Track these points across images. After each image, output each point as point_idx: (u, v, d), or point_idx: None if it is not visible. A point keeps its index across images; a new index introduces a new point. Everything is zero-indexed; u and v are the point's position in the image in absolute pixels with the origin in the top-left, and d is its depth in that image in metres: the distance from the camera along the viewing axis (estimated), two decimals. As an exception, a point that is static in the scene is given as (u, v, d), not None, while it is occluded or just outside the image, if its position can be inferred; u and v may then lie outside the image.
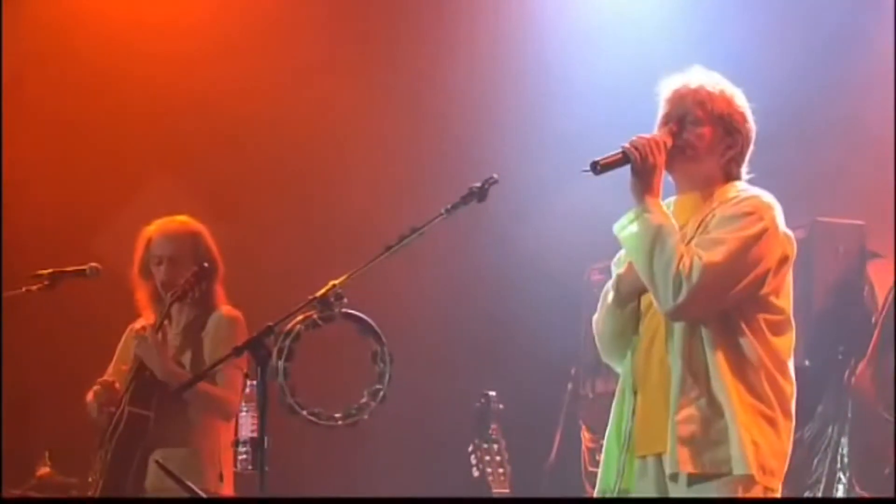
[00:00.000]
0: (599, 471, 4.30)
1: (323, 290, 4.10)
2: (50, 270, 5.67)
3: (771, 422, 4.00)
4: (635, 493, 4.14)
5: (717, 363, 3.98)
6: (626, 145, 4.08)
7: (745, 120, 4.21)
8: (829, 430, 6.93)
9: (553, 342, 7.94)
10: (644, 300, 4.15)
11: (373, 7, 8.15)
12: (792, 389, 4.07)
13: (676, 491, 4.01)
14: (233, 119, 7.84)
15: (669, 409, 4.00)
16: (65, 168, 7.82)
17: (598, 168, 4.08)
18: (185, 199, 6.82)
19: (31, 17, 7.83)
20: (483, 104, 7.80)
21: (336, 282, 4.11)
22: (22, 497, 6.34)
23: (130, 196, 7.49)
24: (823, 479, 6.92)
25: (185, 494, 4.87)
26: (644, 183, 4.08)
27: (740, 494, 3.95)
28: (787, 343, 4.10)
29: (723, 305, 3.99)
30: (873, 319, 6.94)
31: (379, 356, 4.33)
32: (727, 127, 4.18)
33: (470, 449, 5.45)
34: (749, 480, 3.95)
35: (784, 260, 4.07)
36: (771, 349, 4.04)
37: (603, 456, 4.27)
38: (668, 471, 4.00)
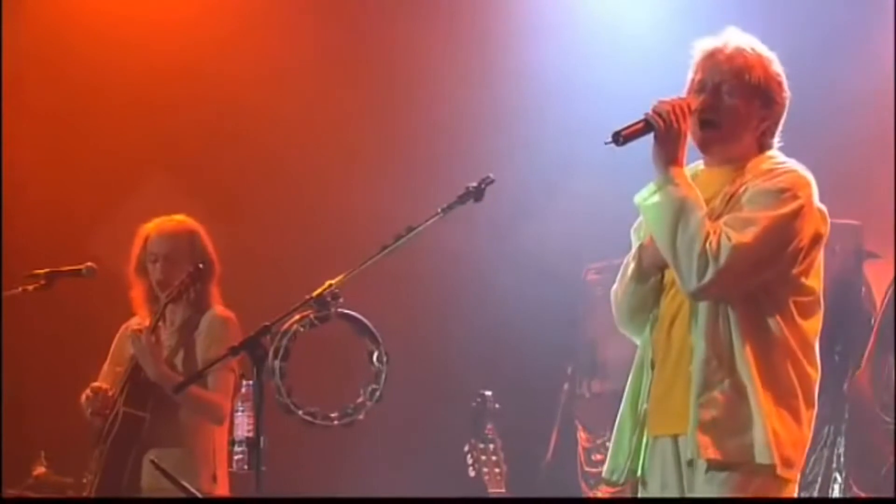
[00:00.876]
0: (610, 447, 4.13)
1: (319, 290, 4.10)
2: (46, 270, 5.67)
3: (793, 411, 3.85)
4: (646, 475, 4.01)
5: (744, 346, 3.81)
6: (649, 112, 3.88)
7: (781, 88, 4.04)
8: (826, 430, 6.93)
9: (549, 342, 7.95)
10: (668, 274, 3.96)
11: (371, 6, 8.14)
12: (817, 375, 3.93)
13: (692, 476, 3.87)
14: (230, 118, 7.84)
15: (690, 391, 3.84)
16: (62, 168, 7.81)
17: (621, 139, 3.87)
18: (181, 198, 6.81)
19: (30, 16, 7.81)
20: (481, 104, 7.80)
21: (332, 281, 4.11)
22: (19, 497, 6.34)
23: (128, 195, 7.48)
24: (819, 479, 6.93)
25: (180, 494, 4.87)
26: (668, 151, 3.86)
27: (757, 484, 3.80)
28: (815, 325, 3.97)
29: (749, 287, 3.82)
30: (871, 320, 6.94)
31: (375, 356, 4.33)
32: (764, 98, 4.00)
33: (466, 449, 5.46)
34: (769, 470, 3.80)
35: (817, 239, 3.94)
36: (799, 332, 3.90)
37: (615, 433, 4.09)
38: (688, 455, 3.85)
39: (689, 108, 3.90)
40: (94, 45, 7.84)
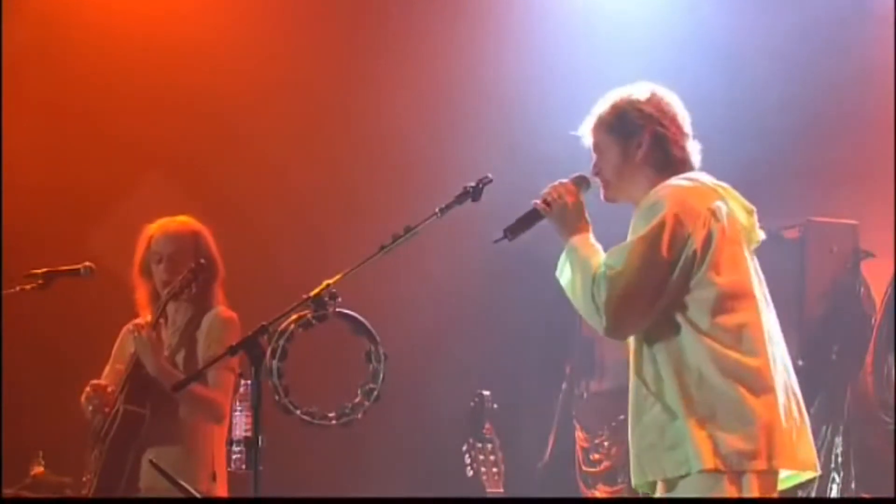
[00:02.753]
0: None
1: (317, 290, 4.10)
2: (44, 270, 5.67)
3: (733, 408, 3.86)
4: None
5: (667, 365, 3.93)
6: (535, 201, 4.16)
7: (640, 112, 4.12)
8: (824, 430, 6.93)
9: (548, 342, 7.95)
10: None
11: (372, 6, 8.14)
12: (758, 362, 3.91)
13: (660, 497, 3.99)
14: (229, 118, 7.83)
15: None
16: (61, 168, 7.80)
17: (510, 233, 4.21)
18: (181, 197, 6.82)
19: (29, 15, 7.80)
20: (481, 103, 7.80)
21: (330, 281, 4.11)
22: (17, 497, 6.33)
23: (127, 195, 7.48)
24: (817, 479, 6.92)
25: (178, 494, 4.87)
26: (563, 226, 4.13)
27: (714, 491, 3.85)
28: (746, 316, 3.95)
29: (655, 308, 3.92)
30: (871, 320, 6.94)
31: (373, 355, 4.33)
32: (623, 130, 4.14)
33: (464, 448, 5.46)
34: (715, 475, 3.84)
35: (707, 239, 3.93)
36: (719, 329, 3.91)
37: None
38: (633, 482, 4.00)
39: (563, 184, 4.16)
40: (94, 42, 7.83)
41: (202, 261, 5.51)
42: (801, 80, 7.00)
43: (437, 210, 4.17)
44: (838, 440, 6.94)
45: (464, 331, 7.82)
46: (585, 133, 4.23)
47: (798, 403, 4.01)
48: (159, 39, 7.83)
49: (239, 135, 7.91)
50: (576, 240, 4.08)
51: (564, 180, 4.16)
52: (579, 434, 7.93)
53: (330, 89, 7.96)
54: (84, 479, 5.49)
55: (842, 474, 6.91)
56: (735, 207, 4.06)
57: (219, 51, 7.83)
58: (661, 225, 3.91)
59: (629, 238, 3.96)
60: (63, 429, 6.01)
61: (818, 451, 6.94)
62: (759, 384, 3.90)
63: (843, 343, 6.98)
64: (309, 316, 4.14)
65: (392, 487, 7.32)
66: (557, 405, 8.10)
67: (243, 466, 4.52)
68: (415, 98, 7.85)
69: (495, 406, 5.56)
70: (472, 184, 4.23)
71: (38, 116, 7.77)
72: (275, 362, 4.18)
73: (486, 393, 5.58)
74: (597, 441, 7.71)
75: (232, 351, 4.16)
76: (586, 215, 4.13)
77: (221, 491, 5.40)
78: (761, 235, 4.13)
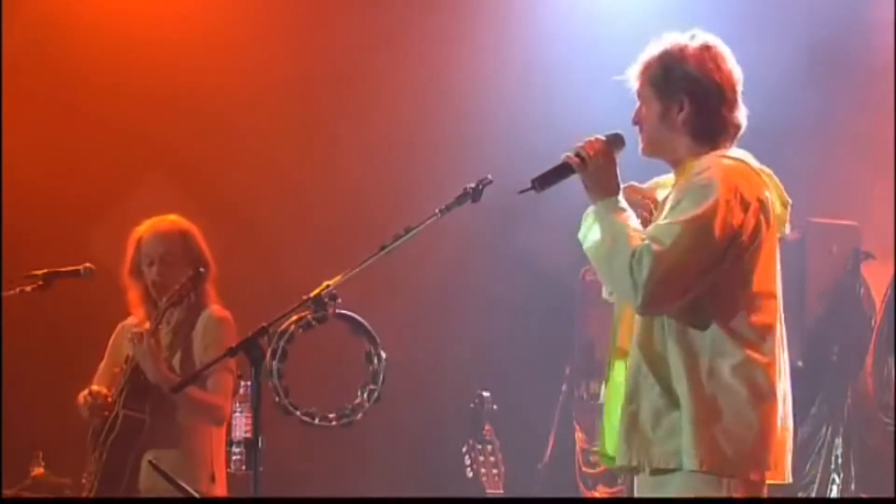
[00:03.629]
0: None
1: (317, 291, 4.09)
2: (44, 271, 5.66)
3: (735, 409, 3.74)
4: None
5: (672, 347, 3.76)
6: (565, 154, 3.92)
7: (688, 73, 3.93)
8: (824, 430, 6.93)
9: (547, 343, 7.94)
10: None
11: (372, 6, 8.13)
12: (771, 367, 3.79)
13: (642, 483, 3.84)
14: (229, 117, 7.82)
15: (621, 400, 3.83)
16: (60, 168, 7.80)
17: (539, 184, 3.95)
18: (179, 197, 6.81)
19: (28, 14, 7.80)
20: (480, 103, 7.80)
21: (330, 282, 4.11)
22: (16, 497, 6.33)
23: (126, 195, 7.48)
24: (817, 480, 6.93)
25: (178, 495, 4.87)
26: (593, 184, 3.90)
27: (699, 492, 3.72)
28: (768, 317, 3.82)
29: (690, 292, 3.73)
30: (871, 321, 6.94)
31: (373, 356, 4.33)
32: (666, 88, 3.93)
33: (464, 449, 5.46)
34: (705, 476, 3.72)
35: (755, 232, 3.79)
36: (746, 326, 3.78)
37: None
38: (617, 462, 3.82)
39: (600, 140, 3.91)
40: (93, 42, 7.83)
41: (201, 269, 5.49)
42: (801, 80, 7.00)
43: (437, 211, 4.16)
44: (838, 441, 6.94)
45: (464, 332, 7.82)
46: (631, 78, 4.03)
47: (790, 412, 3.89)
48: (159, 39, 7.83)
49: (239, 134, 7.90)
50: (608, 202, 3.86)
51: (600, 136, 3.93)
52: (579, 435, 7.92)
53: (331, 89, 7.96)
54: (83, 480, 5.49)
55: (842, 475, 6.91)
56: (774, 198, 3.91)
57: (219, 50, 7.83)
58: (714, 210, 3.70)
59: (674, 212, 3.75)
60: (63, 429, 6.01)
61: (818, 452, 6.99)
62: (766, 389, 3.78)
63: (843, 344, 6.97)
64: (309, 317, 4.14)
65: (392, 488, 7.31)
66: (557, 406, 8.10)
67: (243, 467, 4.53)
68: (415, 98, 7.85)
69: (495, 407, 5.55)
70: (472, 184, 4.21)
71: (37, 116, 7.77)
72: (275, 363, 4.18)
73: (487, 394, 5.57)
74: (596, 442, 7.70)
75: (231, 352, 4.15)
76: (619, 176, 3.91)
77: (220, 492, 5.40)
78: (788, 230, 3.99)
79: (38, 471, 6.41)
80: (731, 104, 3.95)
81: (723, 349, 3.76)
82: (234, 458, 4.88)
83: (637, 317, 3.82)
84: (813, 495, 6.81)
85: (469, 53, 7.83)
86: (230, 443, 5.02)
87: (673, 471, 3.75)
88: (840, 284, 6.97)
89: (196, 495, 4.95)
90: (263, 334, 4.07)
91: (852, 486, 6.90)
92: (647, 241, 3.72)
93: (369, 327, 4.30)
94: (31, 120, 7.75)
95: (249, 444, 4.24)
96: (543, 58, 7.77)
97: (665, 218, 3.78)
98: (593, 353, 8.01)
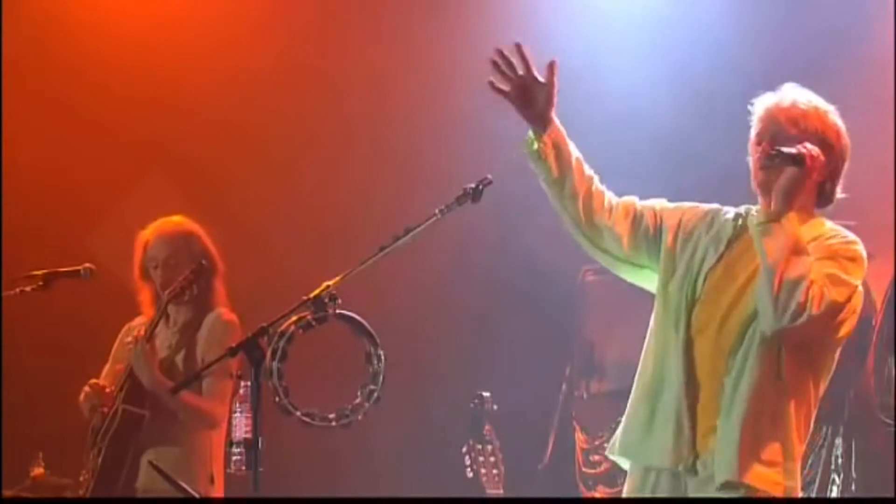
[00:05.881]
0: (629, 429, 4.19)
1: (317, 291, 4.10)
2: (44, 271, 5.67)
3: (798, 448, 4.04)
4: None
5: (793, 386, 4.00)
6: (804, 149, 3.97)
7: (839, 137, 4.12)
8: (824, 430, 6.93)
9: (547, 343, 7.94)
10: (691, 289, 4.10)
11: (372, 5, 8.13)
12: None
13: (695, 490, 4.00)
14: (229, 118, 7.83)
15: (730, 412, 3.95)
16: (60, 168, 7.80)
17: (776, 156, 3.98)
18: (180, 197, 6.83)
19: (29, 14, 7.80)
20: (480, 104, 7.76)
21: (330, 282, 4.11)
22: (16, 497, 6.33)
23: (127, 195, 7.49)
24: (817, 480, 6.93)
25: (176, 494, 4.87)
26: (796, 190, 3.98)
27: None
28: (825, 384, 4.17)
29: (813, 338, 4.00)
30: (871, 321, 6.94)
31: (373, 357, 4.32)
32: (822, 144, 4.05)
33: (464, 450, 5.46)
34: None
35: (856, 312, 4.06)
36: (822, 386, 4.11)
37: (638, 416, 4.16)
38: (724, 477, 3.94)
39: (822, 162, 4.01)
40: (94, 43, 7.83)
41: (203, 262, 5.50)
42: (801, 81, 6.99)
43: (437, 211, 4.17)
44: (838, 441, 6.94)
45: (464, 332, 7.82)
46: (771, 114, 4.17)
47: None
48: (159, 39, 7.84)
49: (239, 135, 7.90)
50: (793, 212, 3.99)
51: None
52: (579, 435, 7.93)
53: (331, 90, 7.96)
54: (81, 478, 5.50)
55: (842, 475, 6.91)
56: None
57: (220, 51, 7.83)
58: (860, 287, 4.04)
59: (835, 269, 3.97)
60: (63, 430, 6.02)
61: (818, 452, 6.98)
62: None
63: (843, 344, 6.97)
64: (309, 317, 4.13)
65: (392, 488, 7.32)
66: (557, 406, 8.10)
67: (243, 468, 4.52)
68: (415, 98, 7.85)
69: (495, 407, 5.56)
70: (472, 185, 4.22)
71: (37, 116, 7.77)
72: (275, 363, 4.17)
73: (487, 394, 5.57)
74: (597, 443, 7.70)
75: (232, 352, 4.16)
76: None
77: (218, 493, 5.41)
78: None
79: (38, 471, 6.41)
80: None
81: (809, 397, 4.13)
82: (233, 458, 4.87)
83: (758, 343, 3.96)
84: (813, 495, 6.81)
85: (469, 54, 7.80)
86: (230, 443, 5.00)
87: (759, 490, 3.98)
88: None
89: (196, 495, 4.96)
90: (263, 334, 4.07)
91: (852, 487, 6.90)
92: (825, 282, 3.90)
93: (369, 328, 4.29)
94: (32, 120, 7.75)
95: (249, 445, 4.23)
96: (544, 58, 7.76)
97: (834, 269, 3.96)
98: (593, 353, 8.01)
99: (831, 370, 4.11)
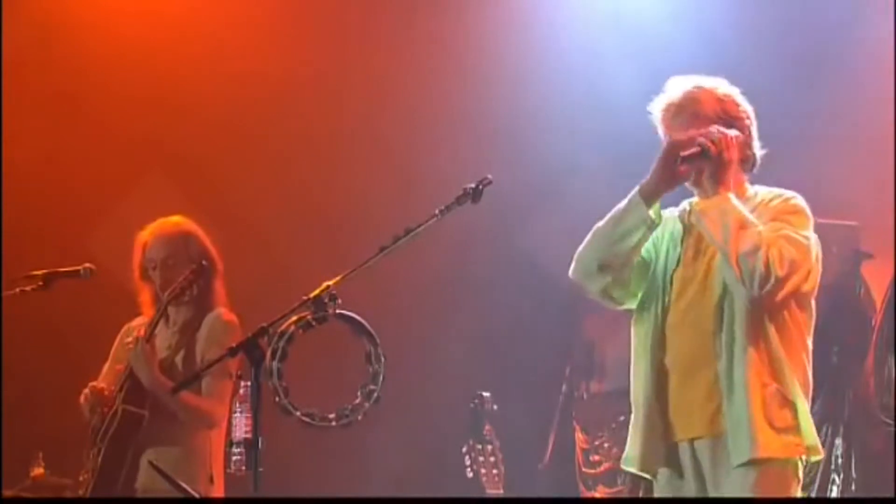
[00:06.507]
0: (635, 456, 4.29)
1: (317, 291, 4.10)
2: (44, 271, 5.66)
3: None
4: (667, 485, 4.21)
5: (787, 351, 4.14)
6: (703, 139, 4.14)
7: (736, 105, 4.33)
8: (824, 430, 6.93)
9: (547, 343, 7.95)
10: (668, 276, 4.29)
11: (373, 4, 8.13)
12: None
13: (735, 476, 4.07)
14: (229, 118, 7.83)
15: (732, 392, 4.08)
16: (60, 168, 7.80)
17: (684, 161, 4.16)
18: (181, 197, 6.82)
19: (29, 14, 7.79)
20: (481, 105, 7.80)
21: (330, 282, 4.11)
22: (16, 497, 6.34)
23: (128, 195, 7.48)
24: (817, 480, 6.93)
25: (176, 494, 4.87)
26: (721, 174, 4.17)
27: (788, 475, 4.09)
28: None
29: (790, 297, 4.15)
30: (871, 321, 6.94)
31: (373, 357, 4.32)
32: (726, 122, 4.26)
33: (464, 449, 5.46)
34: (797, 465, 4.13)
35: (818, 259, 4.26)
36: (809, 334, 4.25)
37: (639, 443, 4.26)
38: (744, 457, 4.05)
39: (738, 140, 4.22)
40: (94, 43, 7.83)
41: (203, 262, 5.50)
42: (802, 81, 7.00)
43: (437, 211, 4.17)
44: (838, 441, 6.94)
45: (464, 332, 7.82)
46: (695, 97, 4.35)
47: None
48: (159, 39, 7.83)
49: (239, 135, 7.90)
50: (729, 193, 4.17)
51: (730, 132, 4.22)
52: (579, 435, 7.93)
53: (331, 90, 7.95)
54: (81, 478, 5.49)
55: (842, 475, 6.91)
56: None
57: (219, 51, 7.83)
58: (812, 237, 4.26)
59: (785, 226, 4.15)
60: (63, 430, 6.01)
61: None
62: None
63: (843, 344, 6.98)
64: (309, 317, 4.13)
65: (392, 488, 7.32)
66: (557, 406, 8.10)
67: (243, 468, 4.52)
68: (416, 99, 7.85)
69: (495, 407, 5.56)
70: (472, 185, 4.22)
71: (38, 116, 7.77)
72: (275, 363, 4.17)
73: (487, 394, 5.58)
74: (597, 442, 7.70)
75: (232, 352, 4.16)
76: None
77: (218, 493, 5.40)
78: None
79: (38, 471, 6.42)
80: None
81: (804, 348, 4.29)
82: (233, 458, 4.87)
83: (741, 317, 4.13)
84: (813, 495, 6.81)
85: (470, 54, 7.83)
86: (230, 443, 5.01)
87: (780, 460, 4.13)
88: (840, 285, 6.97)
89: (196, 495, 4.95)
90: (263, 334, 4.07)
91: (852, 487, 6.90)
92: (781, 242, 4.10)
93: (369, 328, 4.29)
94: (32, 120, 7.75)
95: (249, 445, 4.23)
96: (544, 58, 7.77)
97: (785, 228, 4.16)
98: (593, 353, 8.01)
99: (813, 319, 4.27)
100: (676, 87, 4.31)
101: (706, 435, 4.12)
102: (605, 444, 7.63)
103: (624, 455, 4.33)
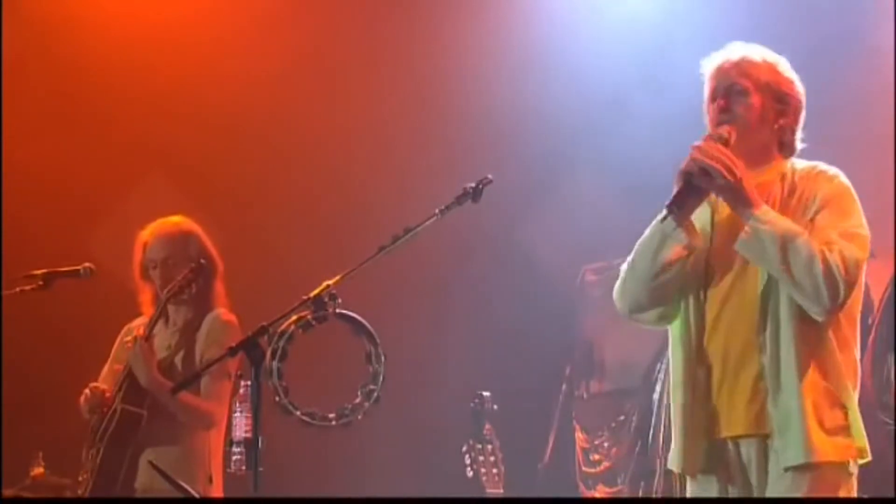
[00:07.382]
0: (677, 453, 4.08)
1: (317, 291, 4.10)
2: (44, 271, 5.67)
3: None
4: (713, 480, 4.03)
5: (833, 352, 3.92)
6: (688, 167, 3.88)
7: (792, 86, 4.14)
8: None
9: (548, 343, 7.95)
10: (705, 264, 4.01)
11: (373, 4, 8.14)
12: None
13: (786, 481, 3.90)
14: (230, 118, 7.83)
15: (779, 393, 3.87)
16: (60, 167, 7.80)
17: (675, 208, 3.90)
18: (181, 197, 6.82)
19: (29, 15, 7.79)
20: (481, 104, 7.80)
21: (330, 282, 4.11)
22: (16, 497, 6.34)
23: (128, 194, 7.49)
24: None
25: (176, 494, 4.87)
26: (741, 198, 3.91)
27: (839, 480, 3.99)
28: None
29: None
30: (871, 321, 6.93)
31: (373, 356, 4.33)
32: (775, 95, 4.10)
33: (464, 449, 5.46)
34: (849, 468, 4.04)
35: None
36: (856, 330, 4.03)
37: (679, 441, 4.05)
38: (796, 460, 3.87)
39: (726, 146, 3.96)
40: (94, 43, 7.83)
41: (202, 261, 5.50)
42: (801, 81, 6.99)
43: (437, 211, 4.17)
44: (838, 441, 6.93)
45: (463, 332, 7.82)
46: (723, 69, 4.15)
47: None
48: (160, 39, 7.84)
49: (240, 135, 7.91)
50: (759, 212, 3.89)
51: (716, 146, 3.95)
52: (579, 435, 7.93)
53: (331, 90, 7.96)
54: (80, 478, 5.49)
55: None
56: None
57: (220, 52, 7.83)
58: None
59: (839, 221, 3.96)
60: (63, 430, 6.01)
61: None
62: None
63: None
64: (309, 317, 4.13)
65: (392, 488, 7.32)
66: (557, 406, 8.10)
67: (243, 467, 4.52)
68: (416, 99, 7.85)
69: (495, 407, 5.56)
70: (472, 184, 4.22)
71: (38, 117, 7.77)
72: (275, 363, 4.17)
73: (487, 394, 5.58)
74: (597, 442, 7.70)
75: (232, 352, 4.16)
76: None
77: (217, 492, 5.40)
78: None
79: (38, 471, 6.42)
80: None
81: (851, 353, 4.09)
82: (233, 458, 4.87)
83: (788, 318, 3.89)
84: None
85: (470, 54, 7.83)
86: (230, 443, 5.02)
87: (834, 463, 4.03)
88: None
89: (195, 495, 4.95)
90: (263, 334, 4.07)
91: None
92: (841, 243, 3.89)
93: (369, 327, 4.29)
94: (32, 120, 7.75)
95: (249, 444, 4.23)
96: (544, 58, 7.77)
97: (839, 226, 3.95)
98: (593, 353, 8.01)
99: (861, 302, 4.04)
100: (737, 47, 4.13)
101: (751, 434, 3.93)
102: (605, 444, 7.63)
103: (669, 455, 4.12)
